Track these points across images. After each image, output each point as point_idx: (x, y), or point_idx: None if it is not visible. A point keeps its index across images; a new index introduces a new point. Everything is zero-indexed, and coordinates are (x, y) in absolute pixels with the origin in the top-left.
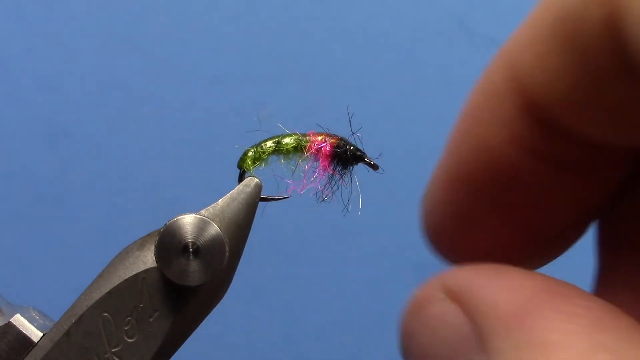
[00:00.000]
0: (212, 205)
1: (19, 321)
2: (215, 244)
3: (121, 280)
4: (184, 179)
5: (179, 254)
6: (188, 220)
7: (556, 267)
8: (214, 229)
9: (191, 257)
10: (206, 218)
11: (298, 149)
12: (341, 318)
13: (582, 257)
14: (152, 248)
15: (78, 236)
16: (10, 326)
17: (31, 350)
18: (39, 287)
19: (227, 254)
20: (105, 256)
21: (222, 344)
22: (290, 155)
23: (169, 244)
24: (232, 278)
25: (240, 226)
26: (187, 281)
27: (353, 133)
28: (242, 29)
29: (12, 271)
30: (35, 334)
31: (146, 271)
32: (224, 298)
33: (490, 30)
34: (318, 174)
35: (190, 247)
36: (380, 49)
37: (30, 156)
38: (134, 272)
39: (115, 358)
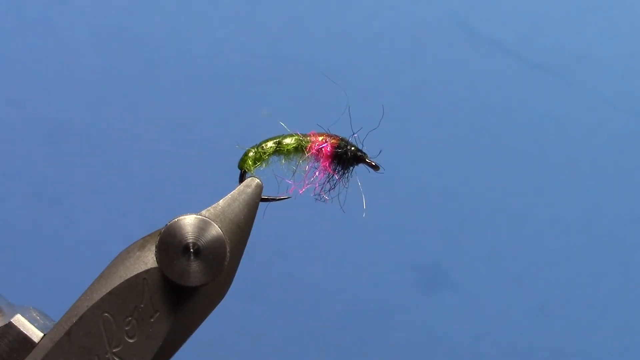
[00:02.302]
0: (213, 205)
1: (20, 321)
2: (216, 244)
3: (122, 281)
4: (184, 179)
5: (180, 255)
6: (189, 221)
7: (556, 264)
8: (215, 229)
9: (192, 257)
10: (207, 219)
11: (299, 149)
12: (341, 318)
13: (581, 257)
14: (153, 248)
15: (78, 236)
16: (10, 326)
17: (32, 350)
18: (39, 287)
19: (228, 254)
20: (106, 256)
21: (222, 344)
22: (291, 156)
23: (170, 244)
24: (232, 278)
25: (241, 227)
26: (188, 282)
27: (354, 133)
28: (242, 29)
29: (12, 271)
30: (36, 334)
31: (147, 271)
32: (224, 298)
33: (491, 30)
34: (319, 174)
35: (191, 247)
36: (380, 49)
37: (30, 156)
38: (135, 273)
39: (115, 358)
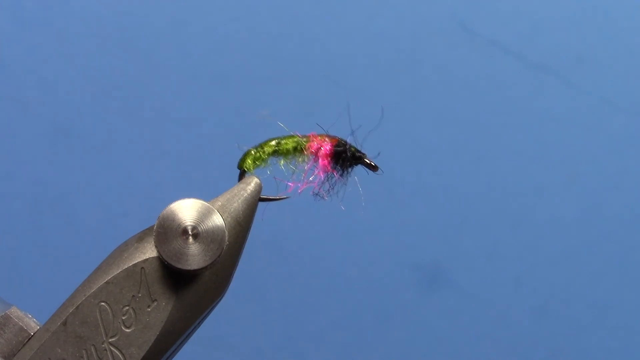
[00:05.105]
0: (211, 201)
1: (16, 313)
2: (215, 229)
3: (120, 270)
4: (183, 179)
5: (178, 237)
6: (188, 204)
7: (556, 264)
8: (215, 214)
9: (190, 240)
10: (207, 203)
11: (298, 150)
12: (341, 318)
13: (581, 257)
14: (151, 240)
15: (78, 236)
16: (6, 318)
17: (27, 341)
18: (39, 287)
19: (226, 239)
20: (105, 255)
21: (222, 345)
22: (291, 156)
23: (168, 226)
24: (232, 275)
25: (240, 222)
26: (185, 264)
27: (352, 132)
28: (242, 29)
29: (12, 272)
30: (31, 325)
31: (145, 261)
32: (224, 299)
33: (491, 31)
34: (318, 173)
35: (189, 230)
36: (380, 49)
37: (30, 156)
38: (133, 262)
39: (112, 348)
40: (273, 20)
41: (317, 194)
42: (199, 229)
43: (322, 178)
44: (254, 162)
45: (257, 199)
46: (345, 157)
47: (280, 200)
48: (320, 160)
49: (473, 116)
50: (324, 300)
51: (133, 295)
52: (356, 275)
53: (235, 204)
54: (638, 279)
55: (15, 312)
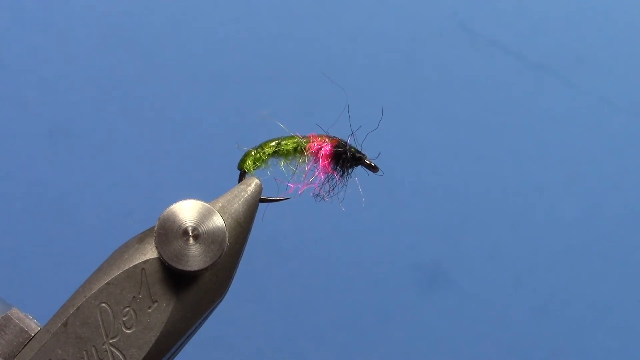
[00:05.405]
0: (212, 202)
1: (17, 314)
2: (215, 230)
3: (120, 271)
4: (184, 180)
5: (178, 238)
6: (189, 205)
7: (556, 264)
8: (215, 215)
9: (191, 241)
10: (208, 204)
11: (298, 150)
12: (341, 318)
13: (581, 257)
14: (152, 241)
15: (78, 237)
16: (7, 319)
17: (28, 342)
18: (39, 289)
19: (227, 240)
20: (105, 256)
21: (222, 345)
22: (291, 157)
23: (169, 227)
24: (233, 276)
25: (241, 223)
26: (186, 265)
27: (352, 133)
28: (242, 29)
29: (13, 272)
30: (32, 327)
31: (145, 262)
32: (225, 299)
33: (491, 31)
34: (318, 174)
35: (190, 232)
36: (380, 49)
37: (30, 156)
38: (134, 263)
39: (112, 349)
40: (273, 20)
41: (317, 195)
42: (200, 230)
43: (323, 179)
44: (254, 162)
45: (258, 199)
46: (345, 158)
47: (281, 201)
48: (320, 161)
49: (473, 116)
50: (324, 300)
51: (134, 296)
52: (356, 275)
53: (236, 205)
54: (638, 279)
55: (15, 313)
